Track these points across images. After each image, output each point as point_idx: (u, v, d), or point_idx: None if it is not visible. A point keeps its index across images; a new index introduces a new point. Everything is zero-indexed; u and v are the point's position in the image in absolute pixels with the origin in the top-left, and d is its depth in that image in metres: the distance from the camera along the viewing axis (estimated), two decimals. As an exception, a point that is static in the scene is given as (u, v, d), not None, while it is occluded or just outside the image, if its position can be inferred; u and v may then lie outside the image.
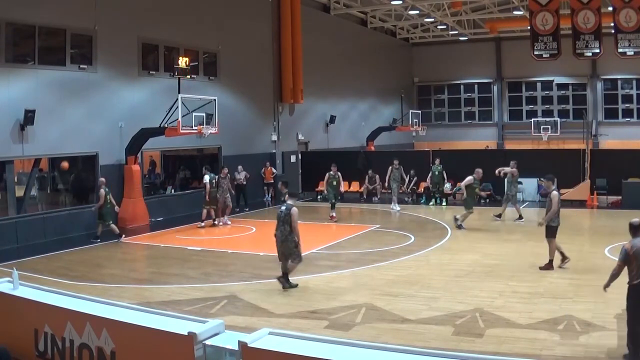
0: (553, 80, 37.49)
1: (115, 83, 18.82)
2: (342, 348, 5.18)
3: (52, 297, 7.00)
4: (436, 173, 22.39)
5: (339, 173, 20.17)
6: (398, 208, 21.15)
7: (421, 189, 24.16)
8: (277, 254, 11.21)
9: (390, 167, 21.43)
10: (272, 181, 24.89)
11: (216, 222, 18.67)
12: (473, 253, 13.77)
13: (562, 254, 11.90)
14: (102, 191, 16.20)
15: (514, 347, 7.72)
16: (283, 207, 11.17)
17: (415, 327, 8.63)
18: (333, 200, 19.61)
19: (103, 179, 16.67)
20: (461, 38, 37.91)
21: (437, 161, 22.53)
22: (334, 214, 19.30)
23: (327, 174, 20.10)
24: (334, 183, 19.87)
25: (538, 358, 7.30)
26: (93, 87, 18.02)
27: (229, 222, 18.92)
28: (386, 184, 22.15)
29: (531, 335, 8.11)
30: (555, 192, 11.89)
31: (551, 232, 11.78)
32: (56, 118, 16.92)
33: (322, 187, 25.95)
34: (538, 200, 22.58)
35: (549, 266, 11.74)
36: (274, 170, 25.08)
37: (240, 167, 22.11)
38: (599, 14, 20.09)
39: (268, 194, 24.97)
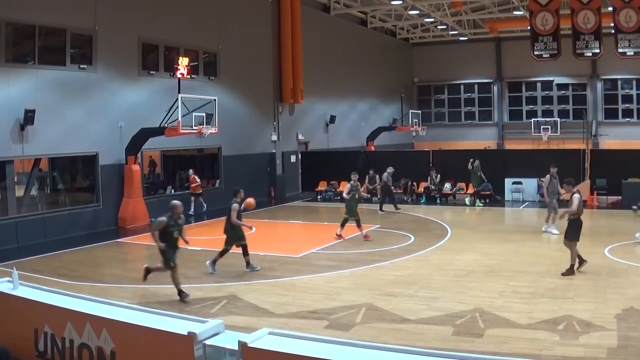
0: (553, 80, 37.51)
1: (115, 83, 18.82)
2: (342, 348, 5.18)
3: (52, 297, 7.00)
4: (477, 173, 22.11)
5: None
6: (557, 232, 15.59)
7: (421, 189, 24.20)
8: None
9: (548, 176, 16.42)
10: (200, 192, 21.04)
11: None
12: (473, 253, 13.77)
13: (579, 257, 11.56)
14: None
15: (514, 347, 7.72)
16: None
17: (415, 327, 8.63)
18: (347, 216, 15.98)
19: None
20: (461, 38, 37.92)
21: (473, 161, 21.96)
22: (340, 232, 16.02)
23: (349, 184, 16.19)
24: (356, 196, 16.07)
25: (538, 358, 7.30)
26: (93, 87, 18.02)
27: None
28: (544, 197, 16.75)
29: (531, 335, 8.11)
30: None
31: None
32: (56, 118, 16.92)
33: (322, 186, 26.06)
34: (538, 200, 22.59)
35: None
36: (198, 179, 21.09)
37: (391, 169, 21.47)
38: (599, 14, 20.08)
39: (192, 207, 20.56)
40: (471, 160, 21.99)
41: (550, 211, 16.14)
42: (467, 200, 22.85)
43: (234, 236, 12.32)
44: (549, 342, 7.81)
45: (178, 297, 10.20)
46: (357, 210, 15.96)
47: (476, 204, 22.30)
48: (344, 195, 16.25)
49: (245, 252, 12.34)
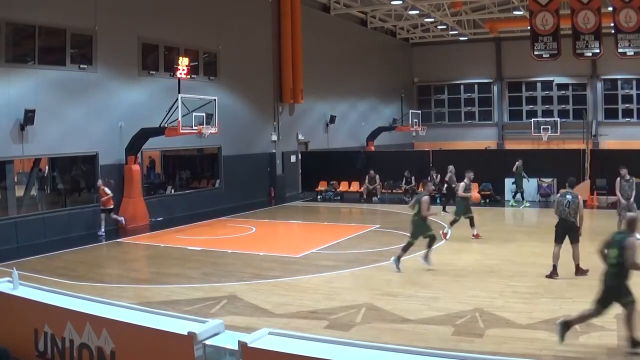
0: (553, 80, 37.51)
1: (115, 83, 18.83)
2: (342, 348, 5.17)
3: (52, 297, 6.99)
4: (521, 174, 21.84)
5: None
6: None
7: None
8: None
9: (619, 179, 15.12)
10: (111, 207, 17.32)
11: None
12: (473, 253, 13.77)
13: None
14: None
15: (514, 347, 7.71)
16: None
17: (415, 327, 8.62)
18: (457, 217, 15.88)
19: None
20: (461, 38, 37.92)
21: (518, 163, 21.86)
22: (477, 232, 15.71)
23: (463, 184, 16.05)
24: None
25: (538, 358, 7.30)
26: (93, 87, 18.02)
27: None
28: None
29: (531, 335, 8.10)
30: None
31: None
32: (56, 118, 16.92)
33: (322, 186, 26.04)
34: (538, 200, 22.59)
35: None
36: (109, 192, 17.06)
37: (452, 167, 20.40)
38: (599, 14, 20.08)
39: (103, 226, 17.13)
40: (517, 163, 21.74)
41: (623, 216, 14.07)
42: (511, 202, 22.42)
43: (422, 229, 12.33)
44: (549, 342, 7.80)
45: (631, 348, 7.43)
46: (471, 208, 15.86)
47: (524, 205, 21.91)
48: (461, 193, 15.93)
49: (430, 244, 12.35)
